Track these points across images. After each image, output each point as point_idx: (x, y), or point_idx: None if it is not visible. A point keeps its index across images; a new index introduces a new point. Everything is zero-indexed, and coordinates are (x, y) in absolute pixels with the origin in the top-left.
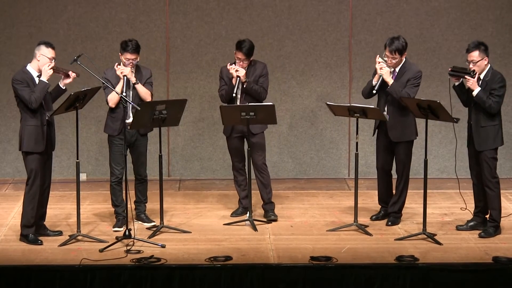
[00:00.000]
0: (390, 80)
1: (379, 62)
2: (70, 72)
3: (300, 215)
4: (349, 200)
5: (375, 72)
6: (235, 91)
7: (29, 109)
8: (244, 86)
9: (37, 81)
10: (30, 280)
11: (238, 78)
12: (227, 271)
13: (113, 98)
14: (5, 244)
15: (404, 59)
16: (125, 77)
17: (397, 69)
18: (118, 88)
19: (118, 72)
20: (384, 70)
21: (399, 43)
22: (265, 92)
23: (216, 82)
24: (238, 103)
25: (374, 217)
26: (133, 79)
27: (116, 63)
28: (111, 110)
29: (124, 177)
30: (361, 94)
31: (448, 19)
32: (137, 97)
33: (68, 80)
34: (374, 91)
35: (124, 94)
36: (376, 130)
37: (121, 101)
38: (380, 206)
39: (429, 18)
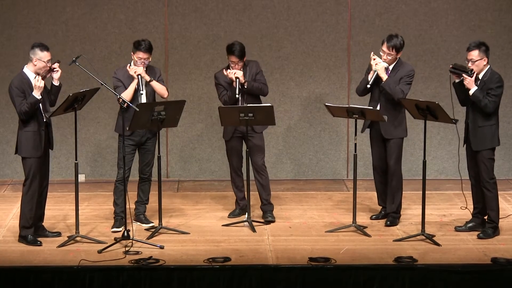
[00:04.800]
0: (384, 76)
1: (374, 59)
2: (52, 66)
3: (299, 216)
4: (348, 201)
5: (368, 69)
6: (237, 92)
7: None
8: (245, 86)
9: (33, 84)
10: (28, 281)
11: (238, 80)
12: (226, 272)
13: (127, 97)
14: (3, 245)
15: (398, 58)
16: (139, 76)
17: (390, 67)
18: (132, 88)
19: (131, 72)
20: (380, 66)
21: (397, 40)
22: (266, 87)
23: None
24: (240, 104)
25: (374, 216)
26: (147, 77)
27: (128, 64)
28: (124, 109)
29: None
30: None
31: (446, 20)
32: (152, 94)
33: (56, 75)
34: (368, 86)
35: (141, 92)
36: (367, 128)
37: (121, 102)
38: (380, 207)
39: (427, 19)
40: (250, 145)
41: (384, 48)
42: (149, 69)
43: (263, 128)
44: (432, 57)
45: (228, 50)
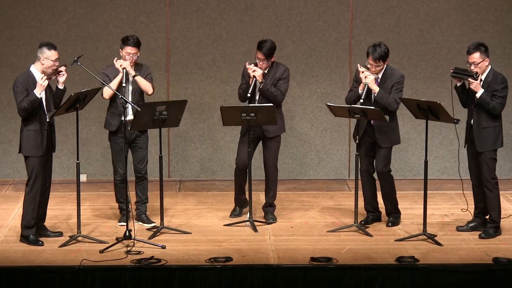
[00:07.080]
0: (376, 88)
1: (362, 72)
2: (59, 69)
3: (300, 216)
4: (349, 201)
5: (355, 77)
6: (250, 91)
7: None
8: (260, 87)
9: (38, 82)
10: (30, 281)
11: (254, 78)
12: (227, 272)
13: (107, 91)
14: (5, 245)
15: (386, 65)
16: (124, 70)
17: (379, 75)
18: (116, 81)
19: (117, 65)
20: (369, 79)
21: (381, 50)
22: (282, 95)
23: (216, 83)
24: (255, 104)
25: (363, 221)
26: (131, 72)
27: (116, 58)
28: (110, 105)
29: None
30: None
31: (448, 20)
32: (138, 91)
33: (62, 78)
34: (361, 100)
35: (123, 85)
36: (361, 136)
37: (122, 102)
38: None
39: (429, 19)
40: (266, 146)
41: (371, 61)
42: (137, 67)
43: (274, 134)
44: (434, 56)
45: (258, 45)
